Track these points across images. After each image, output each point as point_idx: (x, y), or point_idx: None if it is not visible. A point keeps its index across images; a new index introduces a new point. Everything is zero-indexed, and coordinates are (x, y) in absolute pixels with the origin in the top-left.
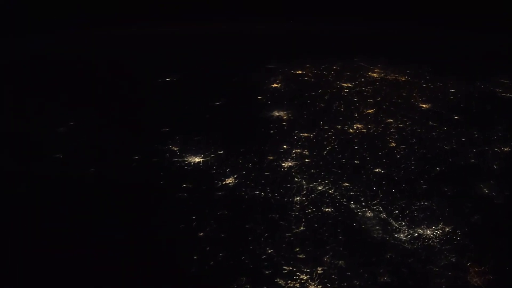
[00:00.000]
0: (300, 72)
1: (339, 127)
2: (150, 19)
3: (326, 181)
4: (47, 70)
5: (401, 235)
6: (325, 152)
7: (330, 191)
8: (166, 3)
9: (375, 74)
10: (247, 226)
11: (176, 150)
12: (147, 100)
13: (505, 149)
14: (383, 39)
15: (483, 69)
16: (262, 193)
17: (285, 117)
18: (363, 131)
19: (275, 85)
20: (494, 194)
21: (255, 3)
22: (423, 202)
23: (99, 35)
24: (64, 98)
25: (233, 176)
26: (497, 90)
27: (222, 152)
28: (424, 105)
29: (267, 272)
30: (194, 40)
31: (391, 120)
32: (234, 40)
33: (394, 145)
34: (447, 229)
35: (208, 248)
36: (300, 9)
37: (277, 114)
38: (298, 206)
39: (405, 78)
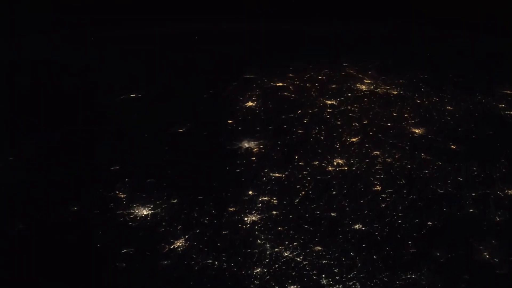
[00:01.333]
0: (280, 84)
1: (316, 163)
2: (118, 21)
3: (295, 243)
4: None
5: None
6: (297, 201)
7: (298, 259)
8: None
9: (363, 86)
10: None
11: (123, 198)
12: (102, 125)
13: (510, 192)
14: (376, 40)
15: (483, 75)
16: (216, 263)
17: (255, 150)
18: (344, 169)
19: (250, 103)
20: (496, 260)
21: None
22: (411, 274)
23: (71, 39)
24: (10, 122)
25: (184, 237)
26: (500, 105)
27: (176, 200)
28: (416, 130)
29: None
30: (169, 41)
31: (378, 153)
32: (211, 42)
33: (379, 189)
34: None
35: None
36: (284, 6)
37: (246, 145)
38: (257, 283)
39: (397, 91)
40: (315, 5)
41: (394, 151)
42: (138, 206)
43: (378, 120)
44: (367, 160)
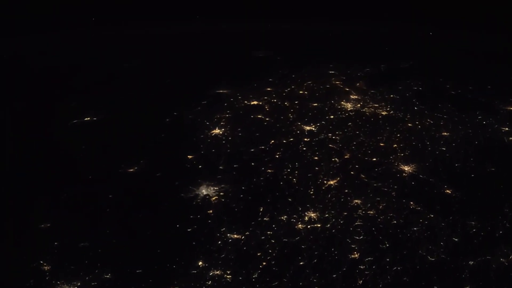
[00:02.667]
0: (255, 103)
1: (284, 218)
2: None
3: None
4: None
5: None
6: (255, 276)
7: None
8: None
9: (349, 105)
10: None
11: (47, 270)
12: (44, 163)
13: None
14: (376, 40)
15: (484, 84)
16: None
17: (214, 199)
18: (317, 227)
19: (217, 130)
20: None
21: None
22: None
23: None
24: None
25: None
26: (503, 129)
27: (109, 275)
28: (406, 168)
29: None
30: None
31: (358, 202)
32: (182, 48)
33: (357, 256)
34: None
35: None
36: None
37: (204, 192)
38: None
39: (386, 111)
40: (315, 5)
41: (378, 199)
42: (63, 283)
43: (362, 154)
44: (345, 213)
